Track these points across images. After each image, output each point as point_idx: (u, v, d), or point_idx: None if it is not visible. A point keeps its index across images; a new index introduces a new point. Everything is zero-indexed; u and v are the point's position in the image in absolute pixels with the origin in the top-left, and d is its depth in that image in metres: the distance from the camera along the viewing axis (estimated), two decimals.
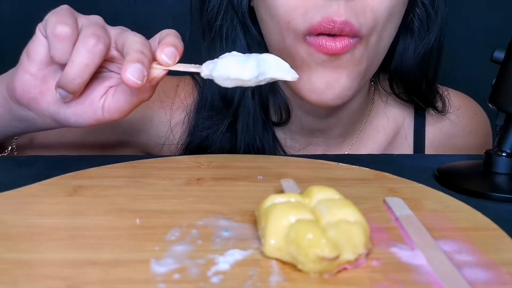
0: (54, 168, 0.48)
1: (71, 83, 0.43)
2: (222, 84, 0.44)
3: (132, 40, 0.43)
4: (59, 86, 0.44)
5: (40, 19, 0.45)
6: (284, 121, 0.65)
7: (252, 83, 0.44)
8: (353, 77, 0.55)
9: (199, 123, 0.66)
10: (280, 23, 0.54)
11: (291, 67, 0.45)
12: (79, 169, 0.48)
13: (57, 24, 0.42)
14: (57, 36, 0.42)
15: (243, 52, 0.45)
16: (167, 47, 0.44)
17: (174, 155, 0.61)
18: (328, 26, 0.51)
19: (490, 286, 0.31)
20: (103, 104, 0.46)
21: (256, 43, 0.62)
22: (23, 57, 0.46)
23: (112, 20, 0.47)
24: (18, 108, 0.48)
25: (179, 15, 0.68)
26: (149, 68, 0.43)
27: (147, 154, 0.70)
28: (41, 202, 0.41)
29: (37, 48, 0.45)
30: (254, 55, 0.45)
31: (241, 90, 0.62)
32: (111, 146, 0.67)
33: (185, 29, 0.65)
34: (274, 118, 0.66)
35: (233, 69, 0.43)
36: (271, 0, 0.54)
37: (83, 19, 0.45)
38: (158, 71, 0.45)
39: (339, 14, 0.50)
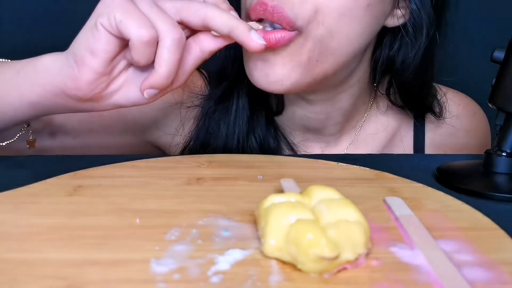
0: (54, 168, 0.48)
1: (166, 81, 0.44)
2: None
3: (214, 11, 0.45)
4: (151, 87, 0.45)
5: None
6: (278, 109, 0.67)
7: None
8: (291, 67, 0.54)
9: (206, 110, 0.67)
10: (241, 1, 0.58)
11: None
12: (79, 169, 0.48)
13: (139, 29, 0.42)
14: (146, 43, 0.42)
15: None
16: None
17: (175, 155, 0.61)
18: (260, 8, 0.52)
19: (490, 286, 0.31)
20: None
21: None
22: (85, 55, 0.44)
23: None
24: (74, 102, 0.47)
25: None
26: None
27: (156, 147, 0.71)
28: (41, 202, 0.41)
29: (106, 46, 0.44)
30: None
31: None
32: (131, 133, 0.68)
33: None
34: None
35: None
36: None
37: (139, 2, 0.44)
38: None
39: None
